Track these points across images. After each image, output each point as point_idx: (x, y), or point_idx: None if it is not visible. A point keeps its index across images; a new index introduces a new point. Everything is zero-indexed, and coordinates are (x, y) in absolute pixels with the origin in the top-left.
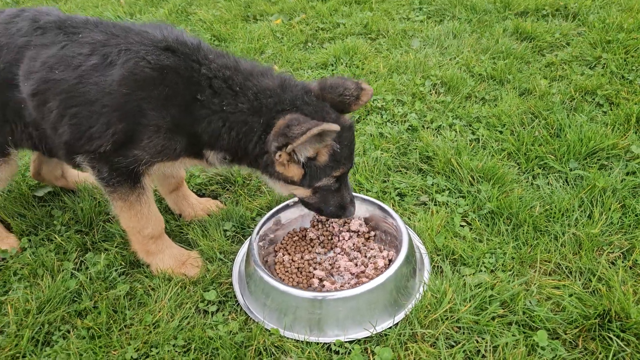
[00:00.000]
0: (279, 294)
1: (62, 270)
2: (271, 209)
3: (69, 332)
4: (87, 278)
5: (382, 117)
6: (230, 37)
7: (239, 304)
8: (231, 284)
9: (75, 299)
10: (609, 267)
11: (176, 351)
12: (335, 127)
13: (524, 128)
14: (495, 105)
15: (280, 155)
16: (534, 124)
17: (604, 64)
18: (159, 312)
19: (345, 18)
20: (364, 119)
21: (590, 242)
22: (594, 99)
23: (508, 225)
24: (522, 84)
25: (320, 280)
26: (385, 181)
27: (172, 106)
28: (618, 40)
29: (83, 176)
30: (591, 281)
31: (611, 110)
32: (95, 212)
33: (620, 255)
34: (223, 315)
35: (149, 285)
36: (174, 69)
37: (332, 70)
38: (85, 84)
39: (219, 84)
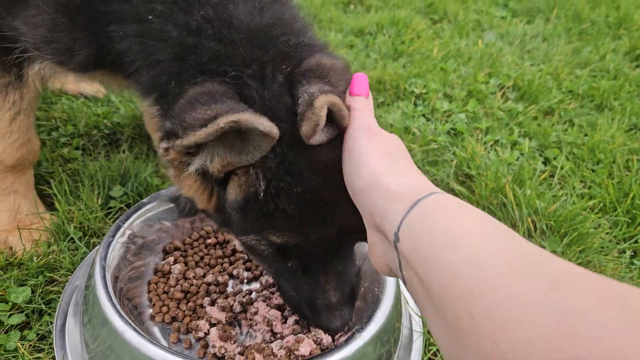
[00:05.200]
0: (119, 341)
1: None
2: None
3: None
4: None
5: (415, 107)
6: None
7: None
8: (65, 286)
9: None
10: None
11: None
12: (269, 127)
13: (628, 173)
14: (589, 133)
15: (166, 150)
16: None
17: None
18: None
19: None
20: (389, 104)
21: None
22: None
23: None
24: (632, 117)
25: (213, 326)
26: None
27: None
28: None
29: None
30: None
31: None
32: None
33: None
34: (22, 338)
35: None
36: None
37: (369, 39)
38: None
39: None
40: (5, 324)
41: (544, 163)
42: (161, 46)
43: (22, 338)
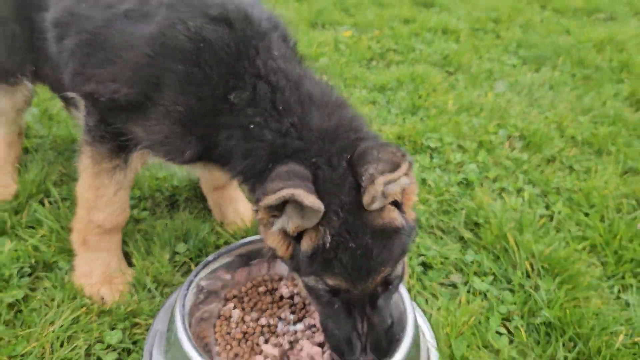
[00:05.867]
0: None
1: None
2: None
3: None
4: None
5: (431, 159)
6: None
7: None
8: (148, 329)
9: None
10: None
11: None
12: (310, 202)
13: (620, 216)
14: (586, 178)
15: (256, 211)
16: (637, 213)
17: None
18: (37, 341)
19: (424, 44)
20: None
21: None
22: None
23: (570, 352)
24: (627, 160)
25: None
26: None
27: (193, 94)
28: None
29: None
30: None
31: None
32: (36, 188)
33: None
34: None
35: (50, 297)
36: (215, 48)
37: (390, 94)
38: (110, 29)
39: (264, 91)
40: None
41: (546, 207)
42: (259, 145)
43: None
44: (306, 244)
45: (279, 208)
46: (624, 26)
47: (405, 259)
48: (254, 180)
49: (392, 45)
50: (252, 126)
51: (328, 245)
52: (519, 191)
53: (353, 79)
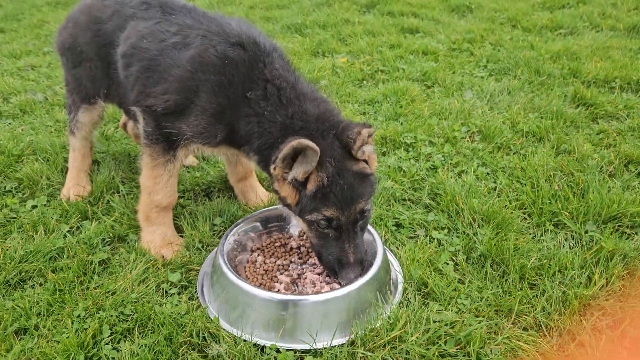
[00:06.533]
0: (232, 287)
1: (57, 231)
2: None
3: (40, 284)
4: (74, 240)
5: (407, 152)
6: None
7: (197, 291)
8: (198, 272)
9: (57, 256)
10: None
11: (117, 317)
12: (312, 146)
13: (549, 185)
14: (525, 158)
15: (274, 168)
16: (557, 178)
17: None
18: (122, 282)
19: (407, 64)
20: (389, 153)
21: (579, 303)
22: (636, 169)
23: (495, 271)
24: (562, 144)
25: (282, 284)
26: (387, 210)
27: (222, 95)
28: None
29: None
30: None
31: None
32: (107, 187)
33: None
34: (179, 297)
35: (125, 259)
36: (235, 63)
37: (377, 106)
38: (163, 56)
39: (272, 90)
40: (170, 292)
41: (493, 182)
42: (272, 125)
43: (179, 299)
44: (310, 186)
45: (289, 165)
46: (581, 39)
47: (371, 203)
48: (269, 151)
49: (380, 67)
50: (265, 113)
51: (326, 182)
52: (474, 172)
53: (347, 96)
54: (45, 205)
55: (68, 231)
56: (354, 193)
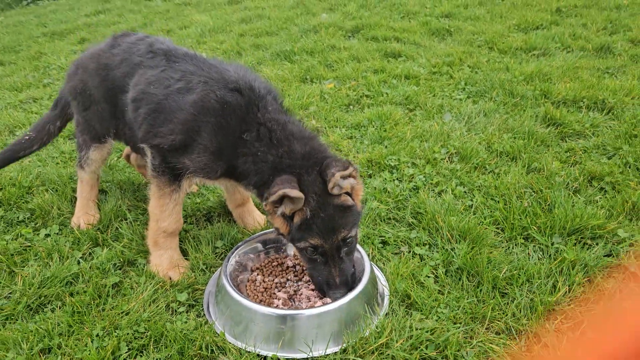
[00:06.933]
0: (236, 304)
1: (71, 257)
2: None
3: (59, 307)
4: (87, 266)
5: (392, 174)
6: (283, 94)
7: (203, 309)
8: (204, 291)
9: (72, 281)
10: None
11: (133, 335)
12: (295, 194)
13: (520, 201)
14: (499, 177)
15: (266, 205)
16: (526, 196)
17: (622, 155)
18: (134, 303)
19: (390, 89)
20: (374, 175)
21: (544, 309)
22: (599, 184)
23: (471, 282)
24: (532, 163)
25: (280, 300)
26: (373, 229)
27: (221, 135)
28: None
29: None
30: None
31: (612, 197)
32: (115, 215)
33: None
34: (187, 315)
35: (135, 281)
36: (233, 107)
37: (363, 130)
38: (168, 100)
39: (264, 132)
40: (178, 310)
41: (470, 200)
42: (265, 165)
43: (188, 317)
44: (296, 219)
45: (278, 202)
46: (553, 60)
47: (358, 231)
48: (262, 188)
49: (366, 91)
50: (259, 153)
51: (309, 216)
52: (453, 191)
53: (335, 121)
54: (57, 233)
55: (81, 257)
56: (335, 224)
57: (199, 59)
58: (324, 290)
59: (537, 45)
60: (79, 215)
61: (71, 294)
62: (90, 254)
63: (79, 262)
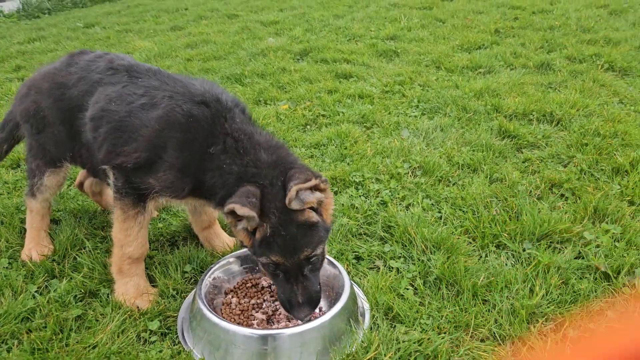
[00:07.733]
0: (214, 327)
1: (25, 291)
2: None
3: (15, 345)
4: (45, 300)
5: (357, 190)
6: (254, 120)
7: (178, 336)
8: (176, 317)
9: (29, 316)
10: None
11: None
12: (243, 212)
13: (487, 210)
14: (464, 189)
15: (227, 216)
16: (493, 204)
17: (577, 163)
18: (101, 335)
19: (346, 108)
20: (340, 192)
21: (526, 313)
22: (559, 191)
23: (450, 292)
24: (494, 174)
25: (258, 322)
26: (346, 245)
27: (188, 151)
28: (593, 143)
29: None
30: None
31: (574, 202)
32: (71, 244)
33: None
34: (161, 344)
35: (100, 313)
36: (199, 120)
37: (323, 149)
38: (131, 117)
39: (230, 143)
40: (151, 340)
41: (438, 212)
42: (230, 176)
43: (162, 346)
44: (257, 235)
45: (237, 216)
46: (498, 77)
47: (325, 246)
48: (226, 200)
49: (321, 111)
50: (224, 166)
51: (269, 234)
52: (420, 204)
53: (293, 141)
54: (7, 267)
55: (36, 291)
56: (297, 243)
57: (163, 74)
58: (286, 307)
59: (482, 63)
60: (30, 246)
61: (29, 330)
62: (46, 286)
63: (34, 296)
